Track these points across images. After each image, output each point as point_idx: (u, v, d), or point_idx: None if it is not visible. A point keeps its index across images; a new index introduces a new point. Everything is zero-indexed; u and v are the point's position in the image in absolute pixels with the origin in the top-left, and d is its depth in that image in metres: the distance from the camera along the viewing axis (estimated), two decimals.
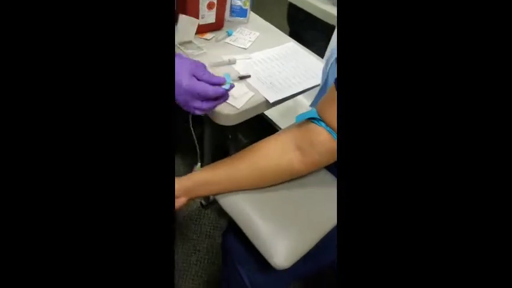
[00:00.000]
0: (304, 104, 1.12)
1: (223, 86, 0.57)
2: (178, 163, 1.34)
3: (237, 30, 0.96)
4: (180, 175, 0.58)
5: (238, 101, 0.73)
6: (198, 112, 0.57)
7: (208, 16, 0.89)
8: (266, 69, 0.84)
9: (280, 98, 0.76)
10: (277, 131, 0.66)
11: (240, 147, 0.62)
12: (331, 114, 0.51)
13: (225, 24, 0.97)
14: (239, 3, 0.96)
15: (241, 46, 0.91)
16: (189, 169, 1.26)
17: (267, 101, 0.75)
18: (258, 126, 1.14)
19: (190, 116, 0.83)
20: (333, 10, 1.07)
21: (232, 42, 0.92)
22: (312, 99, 0.79)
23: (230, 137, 1.19)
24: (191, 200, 0.60)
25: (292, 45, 0.95)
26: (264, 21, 1.05)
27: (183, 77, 0.54)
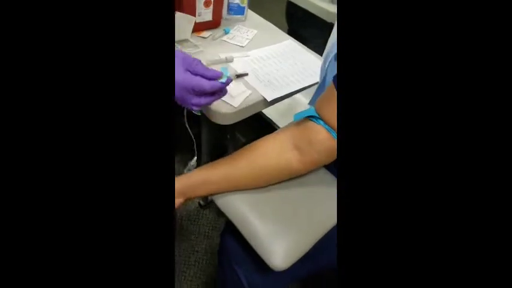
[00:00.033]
0: (303, 102, 1.11)
1: (220, 80, 0.55)
2: (175, 161, 1.33)
3: (235, 28, 0.95)
4: (177, 173, 0.57)
5: (236, 100, 0.72)
6: (195, 108, 0.56)
7: (205, 14, 0.88)
8: (264, 67, 0.83)
9: (278, 96, 0.75)
10: (276, 129, 0.65)
11: (238, 146, 0.61)
12: (330, 112, 0.50)
13: (223, 22, 0.96)
14: (237, 0, 0.95)
15: (238, 44, 0.90)
16: (185, 167, 1.25)
17: (264, 99, 0.74)
18: (256, 125, 1.14)
19: (185, 113, 0.82)
20: (331, 8, 1.06)
21: (229, 40, 0.91)
22: (311, 98, 0.78)
23: (228, 136, 1.18)
24: (189, 200, 0.59)
25: (290, 42, 0.94)
26: (261, 19, 1.04)
27: (176, 72, 0.52)
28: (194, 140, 0.78)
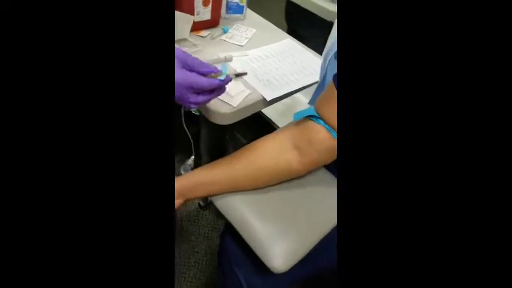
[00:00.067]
0: (303, 101, 1.11)
1: (219, 77, 0.55)
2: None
3: (233, 27, 0.95)
4: (175, 174, 0.56)
5: (235, 99, 0.71)
6: (193, 106, 0.55)
7: (204, 13, 0.88)
8: (263, 66, 0.82)
9: (278, 95, 0.74)
10: (275, 129, 0.65)
11: (238, 146, 0.61)
12: (330, 112, 0.50)
13: (221, 21, 0.95)
14: None
15: (237, 43, 0.89)
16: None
17: (264, 99, 0.73)
18: (255, 125, 1.13)
19: (182, 112, 0.81)
20: (331, 6, 1.05)
21: (228, 40, 0.90)
22: (310, 97, 0.77)
23: (227, 136, 1.17)
24: (188, 201, 0.59)
25: (289, 41, 0.93)
26: (260, 18, 1.03)
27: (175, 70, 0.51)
28: (192, 140, 0.77)
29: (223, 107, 0.70)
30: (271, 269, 0.51)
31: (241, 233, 0.55)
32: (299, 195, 0.59)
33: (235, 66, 0.81)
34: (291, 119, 0.57)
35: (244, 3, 0.96)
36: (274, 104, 0.78)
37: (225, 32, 0.92)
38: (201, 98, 0.54)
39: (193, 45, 0.85)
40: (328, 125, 0.50)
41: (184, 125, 0.81)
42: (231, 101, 0.70)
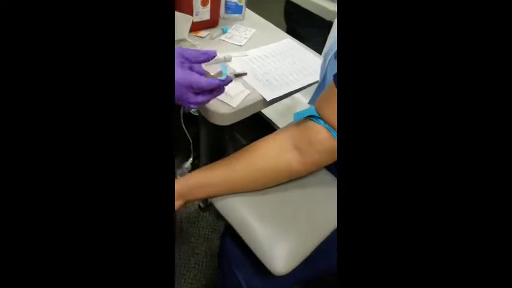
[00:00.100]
0: (303, 101, 1.10)
1: (219, 78, 0.54)
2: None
3: (233, 27, 0.94)
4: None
5: (234, 100, 0.70)
6: (193, 106, 0.55)
7: (203, 13, 0.87)
8: (262, 66, 0.82)
9: (277, 95, 0.74)
10: (275, 130, 0.64)
11: (237, 147, 0.60)
12: (330, 112, 0.49)
13: (220, 21, 0.94)
14: None
15: (236, 43, 0.89)
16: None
17: (263, 99, 0.73)
18: (255, 126, 1.13)
19: (182, 113, 0.80)
20: (330, 6, 1.05)
21: (227, 40, 0.89)
22: (310, 97, 0.77)
23: (227, 137, 1.17)
24: (188, 202, 0.58)
25: (289, 41, 0.93)
26: (260, 17, 1.03)
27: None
28: (191, 141, 0.76)
29: (223, 107, 0.69)
30: (272, 271, 0.51)
31: (241, 234, 0.54)
32: (300, 196, 0.59)
33: (235, 66, 0.80)
34: (291, 119, 0.56)
35: (243, 3, 0.96)
36: (274, 104, 0.77)
37: (224, 32, 0.91)
38: (200, 98, 0.53)
39: (192, 46, 0.84)
40: (329, 125, 0.49)
41: (183, 126, 0.80)
42: (231, 102, 0.70)
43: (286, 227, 0.54)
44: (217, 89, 0.55)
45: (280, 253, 0.51)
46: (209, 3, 0.86)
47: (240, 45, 0.88)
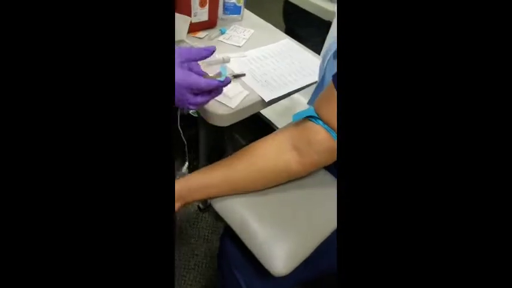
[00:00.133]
0: (302, 102, 1.10)
1: (219, 78, 0.54)
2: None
3: (231, 28, 0.94)
4: None
5: (233, 101, 0.70)
6: (192, 107, 0.54)
7: (201, 14, 0.87)
8: (261, 67, 0.82)
9: (276, 96, 0.74)
10: (275, 130, 0.64)
11: (237, 148, 0.60)
12: (330, 112, 0.49)
13: (219, 22, 0.94)
14: (232, 0, 0.94)
15: (235, 44, 0.89)
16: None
17: (262, 100, 0.73)
18: (254, 126, 1.12)
19: (178, 114, 0.80)
20: (329, 6, 1.05)
21: (226, 41, 0.89)
22: (309, 97, 0.76)
23: (226, 137, 1.17)
24: (187, 204, 0.58)
25: (288, 41, 0.93)
26: (258, 18, 1.03)
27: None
28: (186, 144, 0.76)
29: (221, 108, 0.69)
30: (272, 272, 0.51)
31: (240, 236, 0.54)
32: (299, 197, 0.59)
33: (233, 67, 0.80)
34: (290, 119, 0.56)
35: (241, 4, 0.95)
36: (273, 105, 0.77)
37: (222, 33, 0.91)
38: (199, 99, 0.53)
39: (190, 47, 0.84)
40: (328, 125, 0.49)
41: (180, 129, 0.80)
42: (229, 103, 0.70)
43: (285, 227, 0.54)
44: (215, 89, 0.55)
45: (280, 254, 0.51)
46: (207, 4, 0.86)
47: (239, 46, 0.88)
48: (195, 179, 0.57)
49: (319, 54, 0.90)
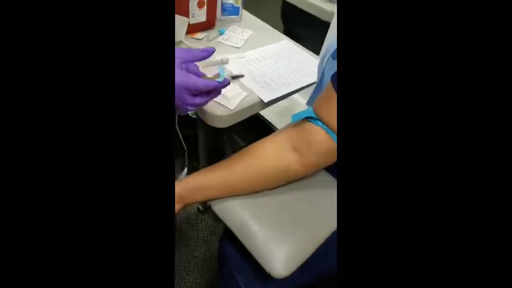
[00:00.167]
0: (301, 102, 1.10)
1: (217, 80, 0.54)
2: None
3: (230, 28, 0.94)
4: None
5: (232, 102, 0.70)
6: (190, 108, 0.54)
7: (199, 15, 0.87)
8: (260, 67, 0.81)
9: (275, 97, 0.73)
10: (274, 131, 0.64)
11: (236, 149, 0.60)
12: (329, 113, 0.49)
13: (217, 23, 0.94)
14: (231, 1, 0.94)
15: (233, 45, 0.88)
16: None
17: (261, 100, 0.73)
18: (254, 127, 1.12)
19: (176, 116, 0.79)
20: (327, 6, 1.05)
21: (224, 42, 0.89)
22: (308, 98, 0.76)
23: (225, 137, 1.16)
24: (187, 205, 0.58)
25: (286, 42, 0.92)
26: (257, 19, 1.02)
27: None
28: (186, 150, 0.75)
29: (220, 109, 0.69)
30: (272, 274, 0.50)
31: (240, 238, 0.54)
32: (299, 198, 0.59)
33: (232, 68, 0.80)
34: (289, 120, 0.56)
35: (239, 4, 0.95)
36: (272, 106, 0.77)
37: (221, 33, 0.91)
38: (198, 100, 0.53)
39: (189, 48, 0.84)
40: (327, 126, 0.49)
41: (177, 129, 0.79)
42: (228, 104, 0.69)
43: (285, 229, 0.54)
44: (214, 91, 0.55)
45: (280, 256, 0.51)
46: (205, 5, 0.86)
47: (237, 47, 0.88)
48: (195, 180, 0.57)
49: (317, 54, 0.90)
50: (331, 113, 0.48)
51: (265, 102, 0.72)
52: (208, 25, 0.91)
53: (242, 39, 0.91)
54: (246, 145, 0.58)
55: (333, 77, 0.49)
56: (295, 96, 0.84)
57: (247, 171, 0.55)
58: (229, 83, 0.55)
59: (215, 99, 0.57)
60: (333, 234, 0.56)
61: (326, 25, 0.68)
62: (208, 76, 0.56)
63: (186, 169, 0.76)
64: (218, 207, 0.57)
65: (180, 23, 0.82)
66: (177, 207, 0.55)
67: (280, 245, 0.52)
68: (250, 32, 0.94)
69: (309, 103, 0.77)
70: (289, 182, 0.58)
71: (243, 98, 0.72)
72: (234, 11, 0.96)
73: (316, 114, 0.51)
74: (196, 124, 0.94)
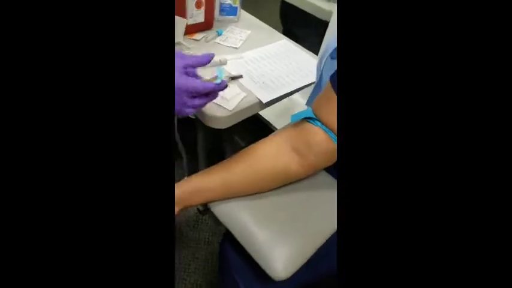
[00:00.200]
0: (300, 102, 1.10)
1: (215, 81, 0.54)
2: None
3: (228, 29, 0.94)
4: None
5: (230, 103, 0.70)
6: (189, 111, 0.54)
7: (197, 15, 0.86)
8: (258, 68, 0.81)
9: (274, 97, 0.73)
10: (273, 131, 0.64)
11: (236, 149, 0.59)
12: (328, 113, 0.48)
13: (215, 23, 0.94)
14: (228, 1, 0.94)
15: (232, 46, 0.88)
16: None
17: (260, 101, 0.72)
18: (253, 127, 1.12)
19: (175, 118, 0.79)
20: (326, 6, 1.04)
21: (222, 42, 0.89)
22: (307, 98, 0.76)
23: (225, 138, 1.16)
24: (187, 207, 0.57)
25: (285, 42, 0.92)
26: (255, 19, 1.02)
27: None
28: (185, 155, 0.74)
29: (219, 110, 0.68)
30: (273, 276, 0.50)
31: (240, 239, 0.54)
32: (299, 199, 0.58)
33: (230, 69, 0.80)
34: (288, 120, 0.55)
35: (237, 5, 0.95)
36: (272, 106, 0.76)
37: (219, 34, 0.91)
38: (197, 101, 0.54)
39: (187, 49, 0.84)
40: (326, 126, 0.49)
41: (176, 132, 0.79)
42: (227, 105, 0.69)
43: (285, 231, 0.54)
44: (212, 92, 0.55)
45: (280, 257, 0.50)
46: (203, 6, 0.86)
47: (236, 48, 0.88)
48: (195, 182, 0.56)
49: (316, 54, 0.89)
50: (330, 113, 0.48)
51: (264, 102, 0.72)
52: (206, 26, 0.90)
53: (240, 40, 0.90)
54: (246, 145, 0.58)
55: (331, 77, 0.49)
56: (294, 96, 0.84)
57: (246, 172, 0.55)
58: (226, 86, 0.55)
59: (214, 100, 0.58)
60: (333, 235, 0.56)
61: (325, 25, 0.68)
62: (207, 78, 0.56)
63: (185, 177, 0.76)
64: (217, 210, 0.57)
65: (178, 24, 0.82)
66: (177, 209, 0.55)
67: (280, 246, 0.51)
68: (249, 32, 0.94)
69: (308, 103, 0.77)
70: (289, 183, 0.58)
71: (242, 99, 0.71)
72: (232, 11, 0.96)
73: (315, 115, 0.50)
74: (196, 125, 0.94)
